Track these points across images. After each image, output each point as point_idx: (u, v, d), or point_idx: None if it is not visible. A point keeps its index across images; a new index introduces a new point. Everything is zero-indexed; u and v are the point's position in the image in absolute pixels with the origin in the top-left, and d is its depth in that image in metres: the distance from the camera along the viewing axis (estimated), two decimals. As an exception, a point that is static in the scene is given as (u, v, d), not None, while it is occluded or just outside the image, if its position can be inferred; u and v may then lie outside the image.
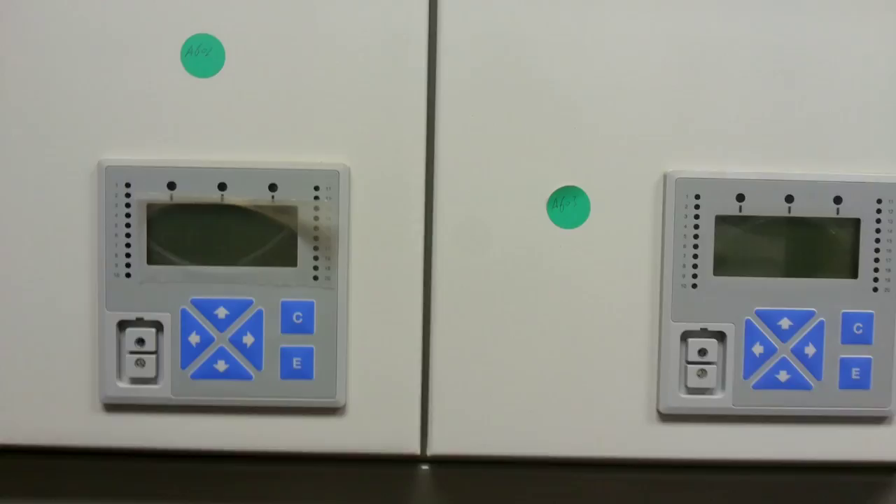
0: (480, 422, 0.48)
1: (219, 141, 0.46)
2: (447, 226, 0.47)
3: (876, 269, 0.47)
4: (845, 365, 0.48)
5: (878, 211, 0.47)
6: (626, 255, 0.47)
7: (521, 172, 0.47)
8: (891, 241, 0.47)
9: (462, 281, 0.47)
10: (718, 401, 0.48)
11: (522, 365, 0.47)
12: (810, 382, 0.48)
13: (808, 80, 0.47)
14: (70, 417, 0.47)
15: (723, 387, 0.48)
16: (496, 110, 0.46)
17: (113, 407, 0.47)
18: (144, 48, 0.45)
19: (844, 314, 0.47)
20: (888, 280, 0.47)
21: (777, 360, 0.47)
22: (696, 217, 0.47)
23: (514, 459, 0.49)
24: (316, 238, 0.46)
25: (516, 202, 0.47)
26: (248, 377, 0.47)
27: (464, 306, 0.47)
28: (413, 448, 0.48)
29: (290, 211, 0.46)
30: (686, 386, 0.48)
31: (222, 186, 0.46)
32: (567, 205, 0.47)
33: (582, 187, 0.47)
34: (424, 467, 0.51)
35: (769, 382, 0.48)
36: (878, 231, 0.47)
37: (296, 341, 0.46)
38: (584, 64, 0.46)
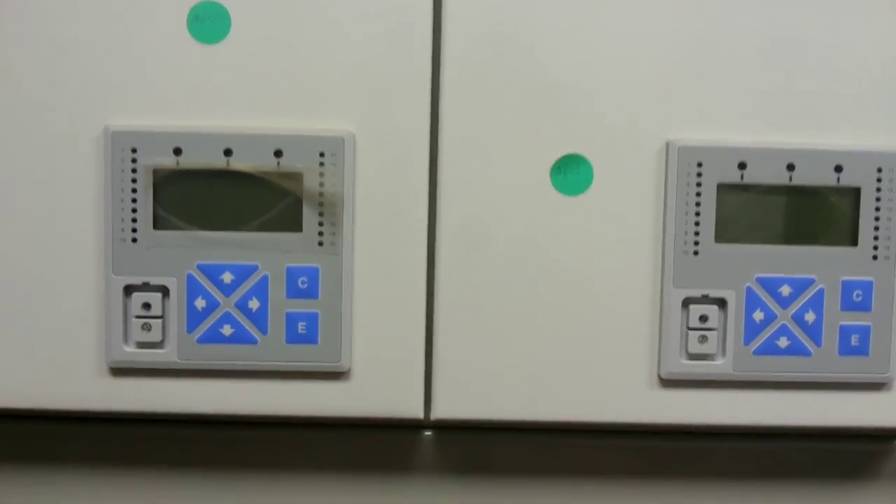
0: (484, 387, 0.48)
1: (225, 107, 0.46)
2: (451, 192, 0.47)
3: (876, 238, 0.48)
4: (844, 332, 0.48)
5: (879, 180, 0.48)
6: (628, 222, 0.48)
7: (525, 140, 0.47)
8: (891, 209, 0.48)
9: (466, 246, 0.47)
10: (719, 366, 0.48)
11: (526, 330, 0.48)
12: (810, 349, 0.48)
13: (810, 51, 0.47)
14: (76, 381, 0.48)
15: (723, 353, 0.48)
16: (501, 78, 0.47)
17: (119, 371, 0.47)
18: (151, 15, 0.46)
19: (844, 281, 0.48)
20: (888, 248, 0.48)
21: (777, 326, 0.48)
22: (699, 185, 0.47)
23: (517, 424, 0.49)
24: (321, 204, 0.46)
25: (520, 169, 0.47)
26: (254, 341, 0.47)
27: (467, 271, 0.47)
28: (416, 412, 0.48)
29: (296, 177, 0.46)
30: (687, 352, 0.48)
31: (228, 152, 0.46)
32: (570, 172, 0.47)
33: (585, 155, 0.47)
34: (427, 433, 0.51)
35: (769, 348, 0.48)
36: (878, 200, 0.48)
37: (301, 306, 0.47)
38: (590, 35, 0.47)
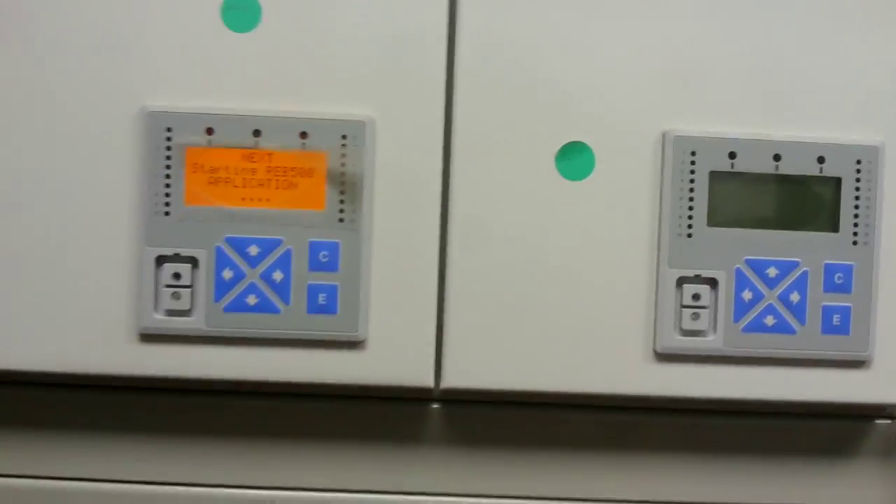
0: (491, 358, 0.51)
1: (254, 91, 0.50)
2: (463, 173, 0.51)
3: (856, 224, 0.52)
4: (827, 311, 0.52)
5: (858, 171, 0.52)
6: (627, 206, 0.51)
7: (533, 130, 0.51)
8: (869, 198, 0.52)
9: (476, 226, 0.51)
10: (710, 342, 0.52)
11: (531, 306, 0.51)
12: (794, 327, 0.52)
13: (796, 51, 0.51)
14: (108, 347, 0.50)
15: (714, 329, 0.52)
16: (511, 73, 0.50)
17: (149, 337, 0.50)
18: (187, 3, 0.49)
19: (826, 265, 0.52)
20: (867, 234, 0.52)
21: (764, 305, 0.52)
22: (692, 172, 0.51)
23: (522, 395, 0.52)
24: (342, 183, 0.50)
25: (528, 155, 0.51)
26: (277, 311, 0.50)
27: (477, 248, 0.51)
28: (427, 381, 0.51)
29: (319, 157, 0.50)
30: (681, 328, 0.52)
31: (257, 133, 0.49)
32: (574, 158, 0.51)
33: (588, 143, 0.51)
34: (435, 406, 0.54)
35: (757, 326, 0.52)
36: (857, 189, 0.52)
37: (322, 279, 0.50)
38: (594, 37, 0.51)
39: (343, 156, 0.50)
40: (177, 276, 0.50)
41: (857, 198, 0.52)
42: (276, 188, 0.50)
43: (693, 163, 0.51)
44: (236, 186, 0.50)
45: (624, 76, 0.51)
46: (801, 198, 0.52)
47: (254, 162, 0.50)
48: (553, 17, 0.51)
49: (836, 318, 0.52)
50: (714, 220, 0.51)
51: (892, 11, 0.52)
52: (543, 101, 0.51)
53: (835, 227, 0.52)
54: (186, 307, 0.50)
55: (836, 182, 0.52)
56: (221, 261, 0.50)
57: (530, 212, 0.51)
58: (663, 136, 0.51)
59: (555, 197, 0.51)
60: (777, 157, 0.51)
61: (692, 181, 0.51)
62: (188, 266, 0.50)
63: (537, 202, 0.51)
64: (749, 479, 0.55)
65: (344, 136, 0.50)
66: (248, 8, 0.49)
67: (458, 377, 0.52)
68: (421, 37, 0.50)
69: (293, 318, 0.50)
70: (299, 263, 0.50)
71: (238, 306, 0.50)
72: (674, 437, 0.55)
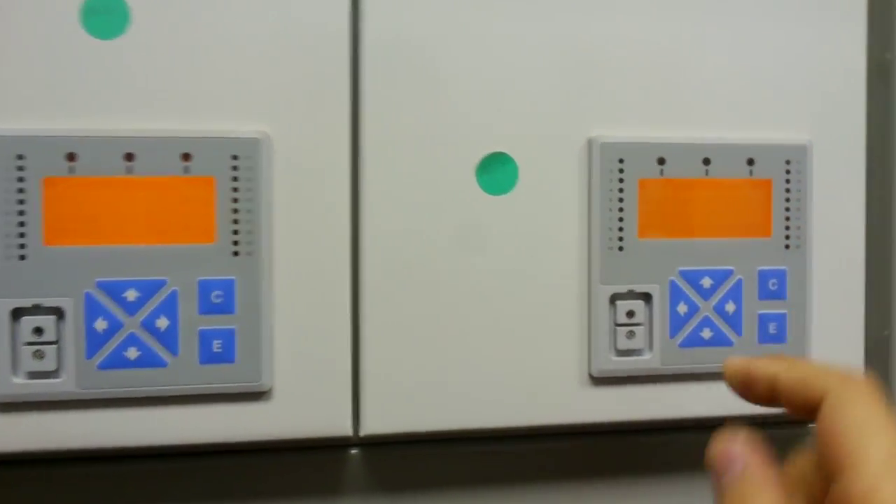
0: (414, 398, 0.46)
1: (125, 108, 0.42)
2: (374, 195, 0.45)
3: (787, 227, 0.49)
4: (763, 320, 0.49)
5: (788, 172, 0.49)
6: (554, 220, 0.47)
7: (449, 140, 0.46)
8: (799, 200, 0.49)
9: (391, 252, 0.45)
10: (647, 361, 0.48)
11: (455, 336, 0.46)
12: (732, 339, 0.49)
13: (718, 52, 0.49)
14: (-43, 421, 0.42)
15: (651, 347, 0.48)
16: (420, 79, 0.45)
17: (8, 406, 0.42)
18: (40, 6, 0.41)
19: (760, 271, 0.49)
20: (798, 238, 0.49)
21: (700, 318, 0.49)
22: (621, 181, 0.47)
23: (451, 434, 0.47)
24: (235, 211, 0.43)
25: (445, 169, 0.46)
26: (163, 364, 0.43)
27: (393, 277, 0.45)
28: (345, 430, 0.46)
29: (207, 182, 0.43)
30: (616, 348, 0.48)
31: (129, 157, 0.42)
32: (496, 171, 0.46)
33: (509, 153, 0.46)
34: (354, 451, 0.48)
35: (694, 340, 0.48)
36: (787, 191, 0.49)
37: (216, 322, 0.43)
38: (507, 38, 0.46)
39: (234, 179, 0.43)
40: (38, 330, 0.42)
41: (787, 199, 0.49)
42: (156, 221, 0.42)
43: (622, 171, 0.47)
44: (106, 221, 0.42)
45: (544, 80, 0.47)
46: (733, 202, 0.49)
47: (127, 191, 0.42)
48: (461, 25, 0.45)
49: (772, 327, 0.49)
50: (645, 230, 0.48)
51: (816, 9, 0.50)
52: (459, 109, 0.46)
53: (767, 231, 0.49)
54: (52, 367, 0.42)
55: (767, 184, 0.49)
56: (92, 309, 0.42)
57: (451, 232, 0.46)
58: (589, 142, 0.47)
59: (477, 214, 0.46)
60: (707, 161, 0.48)
61: (621, 190, 0.47)
62: (52, 318, 0.42)
63: (458, 221, 0.46)
64: (700, 497, 0.52)
65: (235, 157, 0.43)
66: (114, 10, 0.42)
67: (379, 422, 0.46)
68: (320, 39, 0.44)
69: (184, 370, 0.43)
70: (188, 306, 0.43)
71: (116, 362, 0.42)
72: (614, 459, 0.51)
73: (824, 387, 0.31)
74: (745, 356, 0.36)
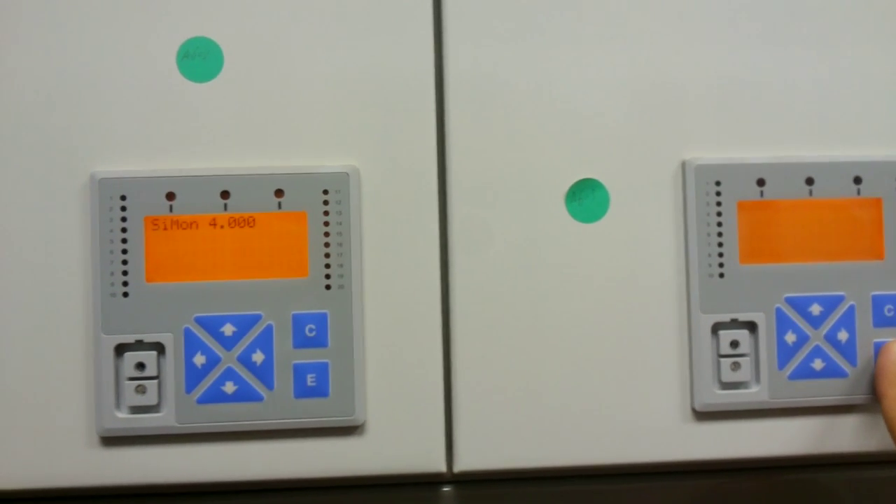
0: (508, 434, 0.45)
1: (220, 148, 0.44)
2: (463, 226, 0.45)
3: (901, 249, 0.46)
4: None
5: (899, 189, 0.46)
6: (649, 247, 0.46)
7: (537, 167, 0.45)
8: (913, 219, 0.46)
9: (481, 283, 0.45)
10: (754, 394, 0.46)
11: (549, 370, 0.45)
12: (846, 369, 0.46)
13: (819, 64, 0.47)
14: (65, 455, 0.43)
15: (757, 380, 0.46)
16: (507, 106, 0.45)
17: (111, 440, 0.43)
18: (139, 53, 0.43)
19: (874, 296, 0.46)
20: None
21: (811, 347, 0.46)
22: (719, 204, 0.46)
23: (547, 472, 0.46)
24: (327, 245, 0.44)
25: (533, 198, 0.45)
26: (260, 398, 0.43)
27: (484, 309, 0.45)
28: (439, 466, 0.45)
29: (299, 217, 0.43)
30: (720, 381, 0.46)
31: (225, 195, 0.43)
32: (586, 198, 0.45)
33: (600, 179, 0.45)
34: (447, 488, 0.47)
35: (804, 372, 0.46)
36: (900, 210, 0.46)
37: (309, 356, 0.44)
38: (596, 63, 0.45)
39: (325, 213, 0.44)
40: (140, 366, 0.43)
41: (900, 219, 0.46)
42: (251, 256, 0.43)
43: (719, 193, 0.46)
44: (203, 258, 0.43)
45: (631, 104, 0.46)
46: (839, 224, 0.46)
47: (222, 228, 0.43)
48: (551, 49, 0.45)
49: (890, 356, 0.46)
50: (747, 256, 0.46)
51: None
52: (545, 137, 0.45)
53: (879, 254, 0.46)
54: (154, 402, 0.43)
55: (877, 203, 0.46)
56: (191, 344, 0.43)
57: (541, 262, 0.45)
58: (683, 165, 0.46)
59: (567, 243, 0.45)
60: (810, 181, 0.46)
61: (719, 214, 0.46)
62: (153, 353, 0.43)
63: (548, 251, 0.45)
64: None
65: (325, 192, 0.44)
66: (208, 55, 0.43)
67: (473, 459, 0.45)
68: (406, 76, 0.44)
69: (279, 404, 0.43)
70: (282, 340, 0.43)
71: (214, 396, 0.43)
72: (720, 499, 0.48)
73: None
74: None
